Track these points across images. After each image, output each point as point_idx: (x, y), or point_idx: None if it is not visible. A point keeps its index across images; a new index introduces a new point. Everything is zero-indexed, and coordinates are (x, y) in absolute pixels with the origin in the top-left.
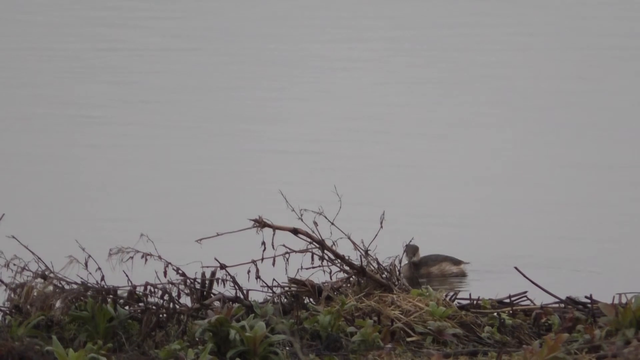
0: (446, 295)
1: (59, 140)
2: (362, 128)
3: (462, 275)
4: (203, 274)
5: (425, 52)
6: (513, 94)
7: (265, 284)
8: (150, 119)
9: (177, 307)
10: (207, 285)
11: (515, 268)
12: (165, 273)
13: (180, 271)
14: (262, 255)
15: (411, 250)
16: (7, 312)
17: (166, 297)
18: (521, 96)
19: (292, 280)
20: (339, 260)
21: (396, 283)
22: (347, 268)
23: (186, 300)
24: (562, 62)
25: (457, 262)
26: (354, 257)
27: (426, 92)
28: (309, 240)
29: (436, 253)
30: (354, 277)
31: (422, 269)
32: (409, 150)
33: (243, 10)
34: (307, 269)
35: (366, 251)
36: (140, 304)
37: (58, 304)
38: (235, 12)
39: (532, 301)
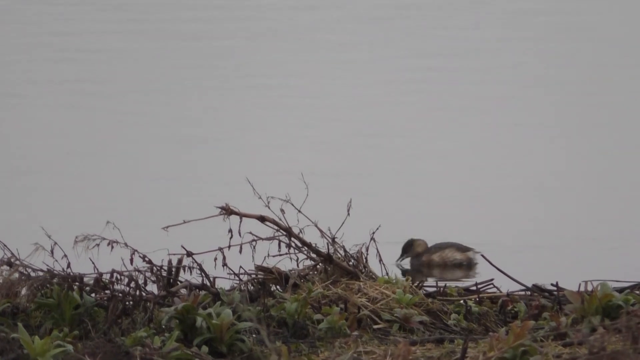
0: (413, 283)
1: (20, 123)
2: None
3: (469, 263)
4: (169, 262)
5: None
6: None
7: (232, 272)
8: (118, 106)
9: (144, 294)
10: (173, 272)
11: (482, 256)
12: (131, 260)
13: (146, 258)
14: (229, 242)
15: (407, 245)
16: None
17: (132, 284)
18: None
19: (259, 268)
20: (306, 248)
21: (363, 271)
22: (314, 255)
23: (152, 288)
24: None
25: (463, 249)
26: (321, 244)
27: (405, 81)
28: (275, 227)
29: (446, 241)
30: (320, 264)
31: (423, 257)
32: (385, 136)
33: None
34: (274, 256)
35: (333, 239)
36: (107, 292)
37: (24, 291)
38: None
39: (498, 289)
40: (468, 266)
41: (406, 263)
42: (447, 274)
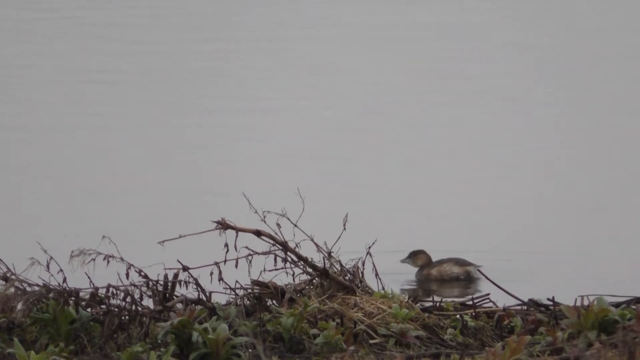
0: (409, 297)
1: (16, 139)
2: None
3: (468, 277)
4: (165, 276)
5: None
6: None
7: (228, 286)
8: (115, 122)
9: (140, 309)
10: (169, 287)
11: (479, 271)
12: (127, 275)
13: (142, 273)
14: (225, 257)
15: (412, 253)
16: None
17: (128, 299)
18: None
19: (255, 282)
20: (302, 262)
21: (359, 285)
22: (310, 270)
23: (148, 302)
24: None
25: (462, 264)
26: (318, 259)
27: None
28: (272, 242)
29: (451, 256)
30: (317, 279)
31: (424, 271)
32: (381, 149)
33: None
34: (270, 270)
35: (329, 253)
36: (103, 306)
37: (20, 306)
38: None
39: (494, 303)
40: (467, 280)
41: (412, 272)
42: (446, 288)
